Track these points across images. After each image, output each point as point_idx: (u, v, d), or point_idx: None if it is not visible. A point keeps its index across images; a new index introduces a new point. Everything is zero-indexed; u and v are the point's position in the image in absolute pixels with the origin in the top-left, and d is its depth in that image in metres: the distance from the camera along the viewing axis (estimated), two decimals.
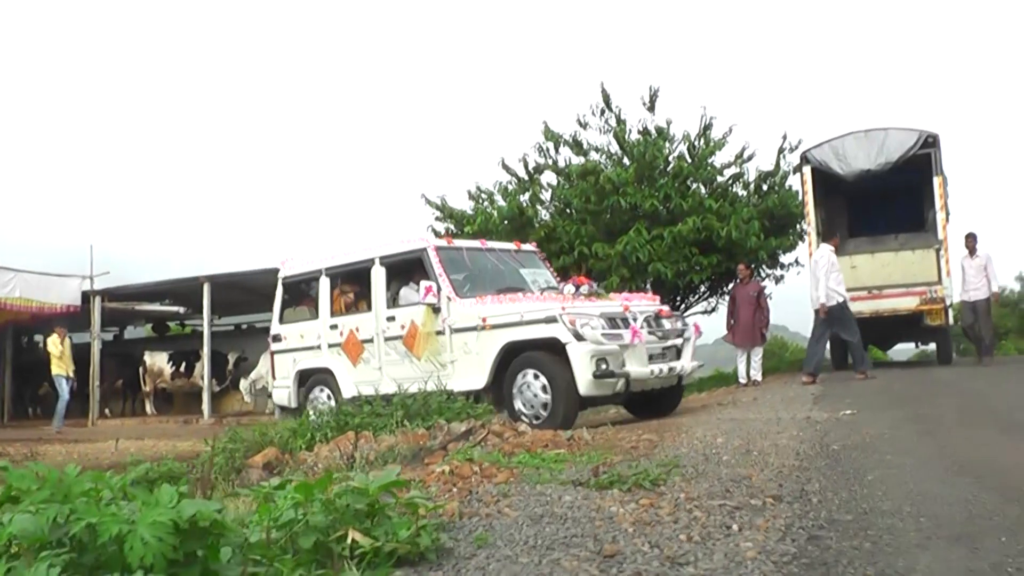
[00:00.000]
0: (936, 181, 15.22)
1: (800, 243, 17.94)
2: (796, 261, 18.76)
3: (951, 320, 14.81)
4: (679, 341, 9.65)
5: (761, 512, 3.58)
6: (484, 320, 9.41)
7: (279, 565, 2.77)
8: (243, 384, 19.59)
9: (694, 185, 17.69)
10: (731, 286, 15.40)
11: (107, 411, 21.48)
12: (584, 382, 8.62)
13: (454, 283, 9.84)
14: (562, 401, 8.75)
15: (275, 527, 3.08)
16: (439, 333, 9.79)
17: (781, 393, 11.71)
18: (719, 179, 18.14)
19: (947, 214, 16.64)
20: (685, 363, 9.60)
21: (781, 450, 5.69)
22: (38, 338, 24.23)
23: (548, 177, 18.95)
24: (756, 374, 14.39)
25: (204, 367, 19.41)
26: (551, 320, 8.89)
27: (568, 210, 18.27)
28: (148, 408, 20.88)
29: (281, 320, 11.69)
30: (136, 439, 12.87)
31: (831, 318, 12.62)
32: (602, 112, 18.23)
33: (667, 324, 9.60)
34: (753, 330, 14.24)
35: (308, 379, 11.11)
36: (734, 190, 18.31)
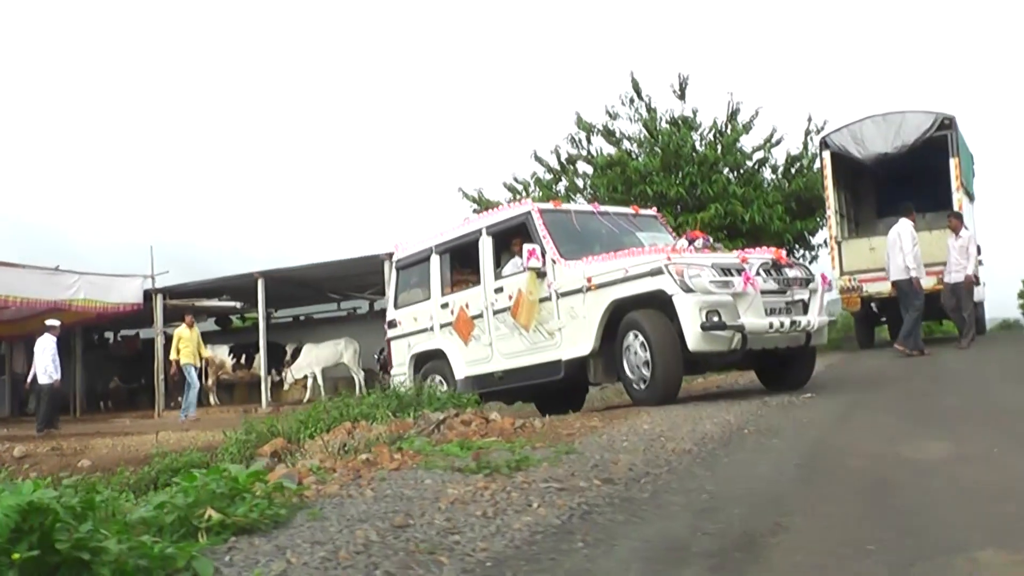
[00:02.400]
0: (952, 162, 15.40)
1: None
2: (824, 243, 19.01)
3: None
4: (805, 294, 8.71)
5: (575, 493, 4.17)
6: (589, 280, 8.83)
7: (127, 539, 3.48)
8: (285, 373, 20.69)
9: (724, 171, 18.09)
10: None
11: (175, 402, 22.92)
12: (693, 335, 8.01)
13: (560, 245, 9.33)
14: (662, 362, 8.19)
15: (152, 508, 3.84)
16: (545, 300, 9.30)
17: None
18: (747, 164, 18.51)
19: (969, 195, 16.84)
20: (812, 318, 8.58)
21: (692, 435, 6.19)
22: (108, 335, 25.87)
23: (584, 166, 19.56)
24: None
25: (261, 358, 20.55)
26: (656, 272, 8.26)
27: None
28: (211, 399, 22.10)
29: (396, 305, 11.47)
30: (183, 431, 13.84)
31: (900, 291, 12.97)
32: (632, 101, 18.74)
33: (790, 273, 8.74)
34: None
35: (424, 364, 10.86)
36: (762, 174, 18.66)
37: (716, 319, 8.02)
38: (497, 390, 10.06)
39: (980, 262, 20.27)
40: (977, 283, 19.16)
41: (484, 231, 10.21)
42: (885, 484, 4.19)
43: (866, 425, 6.44)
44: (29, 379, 19.35)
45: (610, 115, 18.97)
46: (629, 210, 10.88)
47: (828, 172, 16.18)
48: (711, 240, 9.81)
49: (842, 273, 15.93)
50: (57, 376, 17.24)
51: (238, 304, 21.74)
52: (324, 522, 3.75)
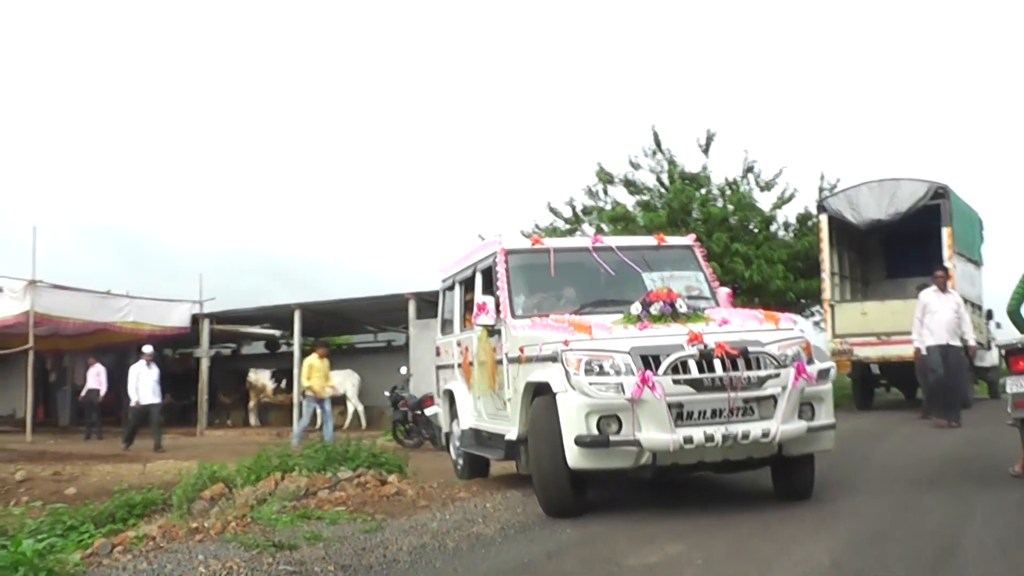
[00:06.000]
0: (945, 231, 15.68)
1: None
2: None
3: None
4: (775, 390, 6.42)
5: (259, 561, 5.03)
6: (521, 351, 7.30)
7: None
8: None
9: (731, 226, 18.60)
10: None
11: (229, 421, 24.55)
12: (569, 450, 6.37)
13: (519, 298, 7.84)
14: (538, 475, 6.80)
15: None
16: (499, 363, 7.88)
17: None
18: (756, 220, 18.98)
19: (973, 262, 17.12)
20: (772, 425, 6.34)
21: (509, 519, 6.75)
22: (167, 352, 27.66)
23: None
24: None
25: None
26: (552, 358, 6.61)
27: None
28: (252, 420, 23.51)
29: (442, 331, 10.27)
30: (185, 459, 14.70)
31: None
32: (654, 153, 19.43)
33: (748, 365, 6.41)
34: None
35: (453, 403, 9.59)
36: (771, 232, 19.08)
37: (614, 428, 6.33)
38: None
39: (998, 325, 20.30)
40: (987, 348, 19.20)
41: (476, 267, 8.75)
42: None
43: (662, 522, 6.57)
44: (83, 393, 21.26)
45: (633, 166, 19.67)
46: (651, 241, 8.80)
47: (824, 235, 16.61)
48: (675, 305, 7.02)
49: (834, 336, 16.28)
50: (140, 398, 17.74)
51: (277, 332, 23.11)
52: None
